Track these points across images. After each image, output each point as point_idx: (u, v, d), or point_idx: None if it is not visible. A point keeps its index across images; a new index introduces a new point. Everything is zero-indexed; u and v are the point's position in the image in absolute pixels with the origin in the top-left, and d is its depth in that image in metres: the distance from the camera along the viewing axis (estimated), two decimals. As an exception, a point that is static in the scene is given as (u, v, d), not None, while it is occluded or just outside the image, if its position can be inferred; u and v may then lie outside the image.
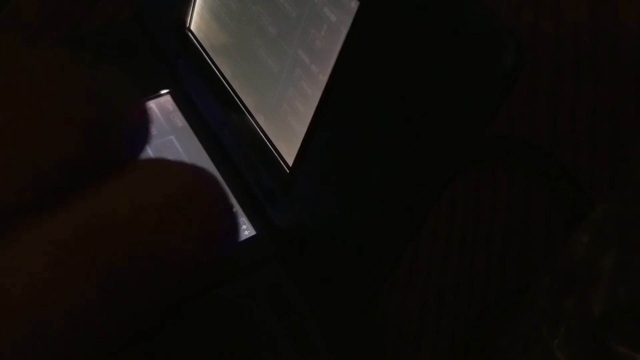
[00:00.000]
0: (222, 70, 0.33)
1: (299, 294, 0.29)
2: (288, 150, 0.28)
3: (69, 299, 0.09)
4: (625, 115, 0.41)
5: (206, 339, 0.27)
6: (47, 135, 0.09)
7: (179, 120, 0.35)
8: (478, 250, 0.35)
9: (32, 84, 0.09)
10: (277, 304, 0.28)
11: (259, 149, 0.30)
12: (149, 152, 0.31)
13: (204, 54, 0.34)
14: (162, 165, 0.10)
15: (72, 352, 0.09)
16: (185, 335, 0.26)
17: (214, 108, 0.34)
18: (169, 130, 0.34)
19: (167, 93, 0.36)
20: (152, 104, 0.36)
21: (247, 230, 0.31)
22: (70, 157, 0.09)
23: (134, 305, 0.09)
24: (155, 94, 0.36)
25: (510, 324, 0.28)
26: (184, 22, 0.35)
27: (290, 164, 0.28)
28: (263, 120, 0.30)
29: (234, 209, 0.11)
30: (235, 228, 0.11)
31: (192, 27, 0.35)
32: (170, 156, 0.33)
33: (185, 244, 0.10)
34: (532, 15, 0.46)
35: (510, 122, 0.40)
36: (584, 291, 0.24)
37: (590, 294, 0.24)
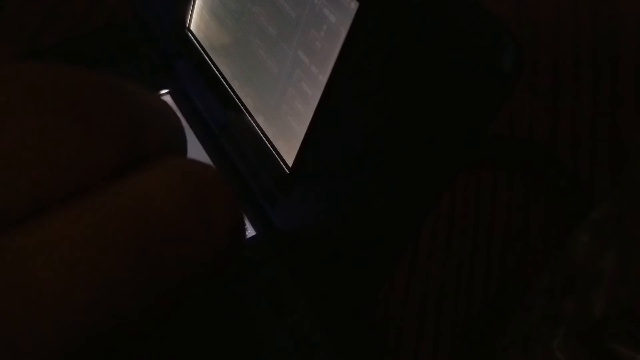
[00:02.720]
0: (222, 71, 0.33)
1: (299, 294, 0.29)
2: (288, 151, 0.28)
3: (102, 281, 0.10)
4: (625, 115, 0.41)
5: (206, 338, 0.27)
6: (85, 143, 0.10)
7: (179, 120, 0.35)
8: (478, 250, 0.35)
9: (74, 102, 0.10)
10: (277, 304, 0.28)
11: (259, 149, 0.30)
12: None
13: (203, 54, 0.34)
14: (180, 163, 0.11)
15: (105, 333, 0.10)
16: (185, 335, 0.26)
17: (213, 108, 0.34)
18: (169, 131, 0.34)
19: (167, 93, 0.36)
20: (152, 104, 0.36)
21: (247, 230, 0.31)
22: (104, 159, 0.10)
23: (160, 286, 0.10)
24: (155, 94, 0.36)
25: (510, 324, 0.28)
26: (184, 22, 0.35)
27: (290, 164, 0.28)
28: (263, 121, 0.30)
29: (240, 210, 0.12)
30: (242, 219, 0.12)
31: (192, 27, 0.35)
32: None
33: (203, 232, 0.11)
34: (532, 15, 0.46)
35: (510, 122, 0.40)
36: (584, 291, 0.24)
37: (590, 294, 0.24)
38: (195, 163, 0.12)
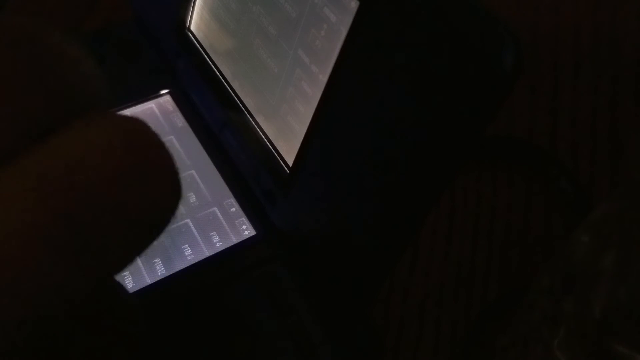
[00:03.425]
0: (222, 71, 0.33)
1: (300, 294, 0.29)
2: (288, 150, 0.28)
3: (33, 259, 0.09)
4: (625, 115, 0.41)
5: (207, 338, 0.27)
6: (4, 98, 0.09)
7: (179, 120, 0.35)
8: (478, 250, 0.35)
9: None
10: (277, 304, 0.28)
11: (259, 149, 0.30)
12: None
13: (204, 54, 0.34)
14: (111, 119, 0.10)
15: (43, 307, 0.09)
16: (186, 335, 0.26)
17: (214, 108, 0.34)
18: (168, 131, 0.34)
19: (167, 93, 0.36)
20: (152, 104, 0.36)
21: (247, 230, 0.31)
22: (24, 123, 0.09)
23: (97, 253, 0.09)
24: (155, 94, 0.36)
25: (510, 324, 0.28)
26: (184, 22, 0.35)
27: (290, 164, 0.28)
28: (263, 121, 0.30)
29: (176, 165, 0.11)
30: (178, 172, 0.11)
31: (192, 27, 0.35)
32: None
33: (144, 193, 0.10)
34: (532, 15, 0.46)
35: (510, 122, 0.40)
36: (584, 291, 0.24)
37: (590, 294, 0.24)
38: (126, 118, 0.10)
